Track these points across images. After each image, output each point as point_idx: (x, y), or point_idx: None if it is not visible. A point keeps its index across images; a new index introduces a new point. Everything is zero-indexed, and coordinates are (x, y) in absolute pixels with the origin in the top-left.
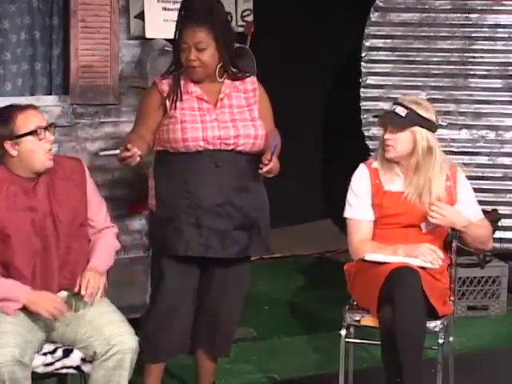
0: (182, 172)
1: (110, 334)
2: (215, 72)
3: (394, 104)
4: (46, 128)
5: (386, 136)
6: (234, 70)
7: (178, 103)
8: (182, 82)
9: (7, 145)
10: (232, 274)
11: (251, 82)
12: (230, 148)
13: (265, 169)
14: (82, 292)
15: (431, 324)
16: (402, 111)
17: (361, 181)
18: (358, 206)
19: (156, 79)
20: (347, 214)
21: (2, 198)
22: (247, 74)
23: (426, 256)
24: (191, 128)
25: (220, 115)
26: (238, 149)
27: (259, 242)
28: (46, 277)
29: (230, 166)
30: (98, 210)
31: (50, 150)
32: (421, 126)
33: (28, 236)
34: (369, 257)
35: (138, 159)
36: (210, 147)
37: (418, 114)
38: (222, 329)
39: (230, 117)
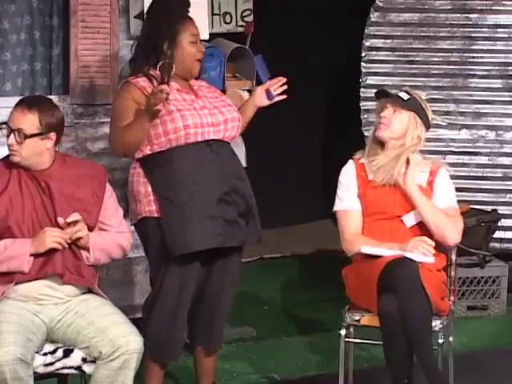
0: (184, 166)
1: (114, 335)
2: None
3: (400, 91)
4: (13, 131)
5: (383, 114)
6: None
7: None
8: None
9: None
10: (229, 265)
11: (204, 83)
12: (220, 135)
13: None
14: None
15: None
16: (404, 96)
17: (348, 173)
18: (347, 196)
19: (129, 79)
20: (336, 207)
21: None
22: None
23: (418, 248)
24: (190, 115)
25: (205, 103)
26: (227, 135)
27: (254, 229)
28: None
29: (227, 154)
30: (111, 215)
31: (12, 149)
32: (419, 116)
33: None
34: (365, 249)
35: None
36: (205, 136)
37: (420, 104)
38: (220, 322)
39: (212, 105)
